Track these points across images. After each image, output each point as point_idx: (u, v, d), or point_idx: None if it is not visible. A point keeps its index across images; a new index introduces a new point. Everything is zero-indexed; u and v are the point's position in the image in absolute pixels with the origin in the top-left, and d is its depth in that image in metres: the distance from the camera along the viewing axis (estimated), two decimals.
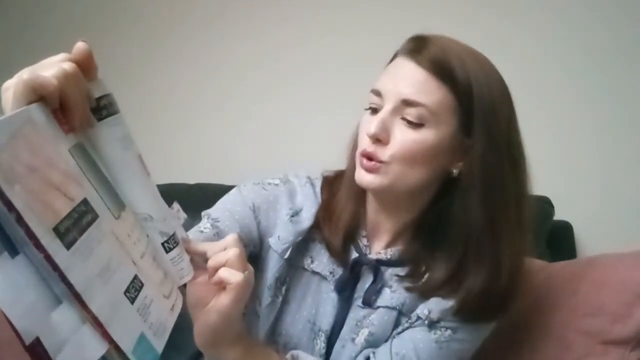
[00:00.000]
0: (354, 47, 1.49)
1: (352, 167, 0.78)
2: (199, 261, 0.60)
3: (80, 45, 0.46)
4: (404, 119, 0.70)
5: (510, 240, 0.73)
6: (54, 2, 1.89)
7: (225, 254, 0.59)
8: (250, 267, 0.61)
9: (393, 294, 0.77)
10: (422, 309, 0.76)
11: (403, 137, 0.70)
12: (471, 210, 0.72)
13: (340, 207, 0.80)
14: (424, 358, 0.74)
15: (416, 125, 0.69)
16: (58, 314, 0.38)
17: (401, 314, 0.77)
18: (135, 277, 0.47)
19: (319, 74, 1.55)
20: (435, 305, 0.75)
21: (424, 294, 0.76)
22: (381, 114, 0.70)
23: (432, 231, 0.77)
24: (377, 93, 0.72)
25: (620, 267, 0.88)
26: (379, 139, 0.70)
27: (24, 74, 0.42)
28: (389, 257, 0.79)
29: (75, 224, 0.41)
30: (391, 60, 0.76)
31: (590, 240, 1.30)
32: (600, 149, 1.31)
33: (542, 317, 0.91)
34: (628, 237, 1.20)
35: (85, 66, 0.46)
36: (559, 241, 1.25)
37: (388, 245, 0.80)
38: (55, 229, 0.39)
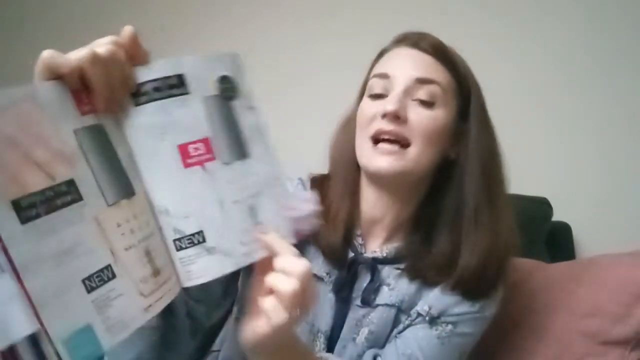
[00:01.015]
0: (354, 47, 1.49)
1: (347, 160, 0.79)
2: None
3: (125, 30, 0.47)
4: (416, 99, 0.72)
5: (506, 214, 0.76)
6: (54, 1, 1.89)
7: (286, 284, 0.53)
8: (309, 305, 0.56)
9: (391, 291, 0.77)
10: (422, 305, 0.75)
11: (419, 116, 0.71)
12: (472, 187, 0.74)
13: (335, 206, 0.79)
14: (428, 355, 0.74)
15: (429, 104, 0.72)
16: None
17: (400, 311, 0.77)
18: (107, 267, 0.46)
19: (319, 74, 1.55)
20: (435, 301, 0.75)
21: (426, 281, 0.76)
22: (396, 93, 0.71)
23: (428, 224, 0.77)
24: (384, 76, 0.74)
25: (619, 267, 0.89)
26: (398, 116, 0.70)
27: (44, 53, 0.43)
28: (384, 254, 0.79)
29: (45, 202, 0.41)
30: (380, 56, 0.79)
31: (589, 241, 1.30)
32: (599, 149, 1.31)
33: (542, 317, 0.91)
34: (627, 238, 1.20)
35: (131, 51, 0.47)
36: (558, 242, 1.25)
37: (384, 243, 0.80)
38: (15, 202, 0.39)
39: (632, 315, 0.83)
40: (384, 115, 0.70)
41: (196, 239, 0.52)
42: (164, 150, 0.50)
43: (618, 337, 0.83)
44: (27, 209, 0.40)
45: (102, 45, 0.45)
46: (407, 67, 0.72)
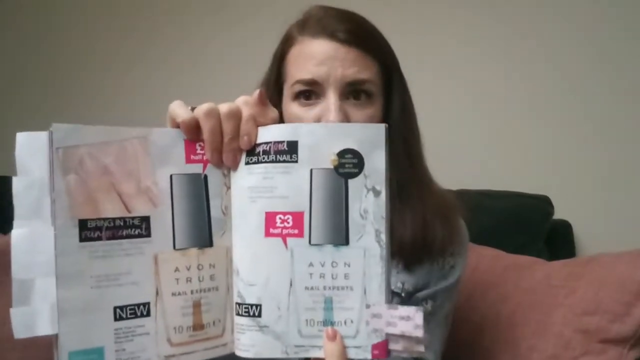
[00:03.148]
0: None
1: None
2: None
3: (256, 92, 0.50)
4: (353, 99, 0.70)
5: (433, 186, 0.76)
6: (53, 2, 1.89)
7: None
8: None
9: None
10: (395, 283, 0.74)
11: (359, 118, 0.69)
12: (396, 164, 0.72)
13: None
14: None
15: (366, 102, 0.70)
16: (43, 281, 0.43)
17: None
18: (145, 304, 0.47)
19: None
20: (405, 277, 0.74)
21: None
22: (333, 101, 0.68)
23: None
24: (312, 82, 0.69)
25: (619, 266, 0.89)
26: None
27: (172, 103, 0.50)
28: None
29: (111, 229, 0.45)
30: (289, 42, 0.73)
31: (589, 239, 1.30)
32: (599, 148, 1.31)
33: (541, 315, 0.91)
34: (627, 236, 1.21)
35: (256, 110, 0.50)
36: (558, 240, 1.26)
37: None
38: (82, 221, 0.44)
39: (631, 314, 0.83)
40: None
41: (252, 310, 0.50)
42: (252, 213, 0.50)
43: (617, 336, 0.83)
44: (90, 230, 0.44)
45: (229, 102, 0.49)
46: (335, 67, 0.68)
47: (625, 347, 0.83)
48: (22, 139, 0.43)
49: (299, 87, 0.70)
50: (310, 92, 0.70)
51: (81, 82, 1.84)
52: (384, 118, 0.73)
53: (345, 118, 0.68)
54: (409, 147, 0.74)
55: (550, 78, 1.34)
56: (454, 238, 0.76)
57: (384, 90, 0.73)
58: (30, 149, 0.43)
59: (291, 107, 0.72)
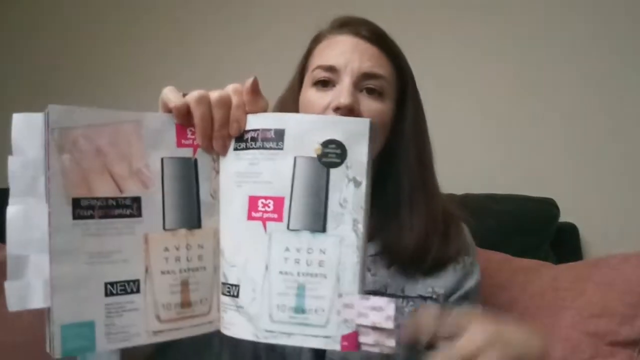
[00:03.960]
0: None
1: None
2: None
3: (249, 79, 0.52)
4: (366, 90, 0.71)
5: (437, 194, 0.77)
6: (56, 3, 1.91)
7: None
8: None
9: (374, 277, 0.75)
10: (425, 288, 0.74)
11: (369, 108, 0.70)
12: (407, 173, 0.74)
13: None
14: None
15: (379, 95, 0.71)
16: (37, 257, 0.44)
17: (390, 295, 0.73)
18: (135, 281, 0.49)
19: None
20: (433, 281, 0.74)
21: (400, 264, 0.74)
22: (346, 86, 0.69)
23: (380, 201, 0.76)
24: (330, 68, 0.71)
25: (626, 268, 0.88)
26: (353, 110, 0.68)
27: (164, 89, 0.52)
28: None
29: (103, 208, 0.47)
30: (317, 41, 0.77)
31: (595, 241, 1.30)
32: (605, 150, 1.31)
33: (549, 318, 0.91)
34: (634, 239, 1.20)
35: (248, 98, 0.52)
36: (565, 243, 1.25)
37: None
38: (76, 199, 0.45)
39: (639, 316, 0.83)
40: (337, 109, 0.69)
41: (232, 290, 0.52)
42: (237, 197, 0.52)
43: (626, 338, 0.83)
44: (83, 209, 0.46)
45: (220, 89, 0.51)
46: (354, 59, 0.70)
47: (635, 350, 0.83)
48: (19, 119, 0.45)
49: (318, 72, 0.72)
50: (328, 79, 0.71)
51: (80, 82, 1.83)
52: (396, 124, 0.74)
53: (356, 104, 0.69)
54: (420, 156, 0.76)
55: (556, 80, 1.34)
56: (451, 248, 0.76)
57: (397, 97, 0.75)
58: (26, 129, 0.45)
59: (308, 93, 0.73)
